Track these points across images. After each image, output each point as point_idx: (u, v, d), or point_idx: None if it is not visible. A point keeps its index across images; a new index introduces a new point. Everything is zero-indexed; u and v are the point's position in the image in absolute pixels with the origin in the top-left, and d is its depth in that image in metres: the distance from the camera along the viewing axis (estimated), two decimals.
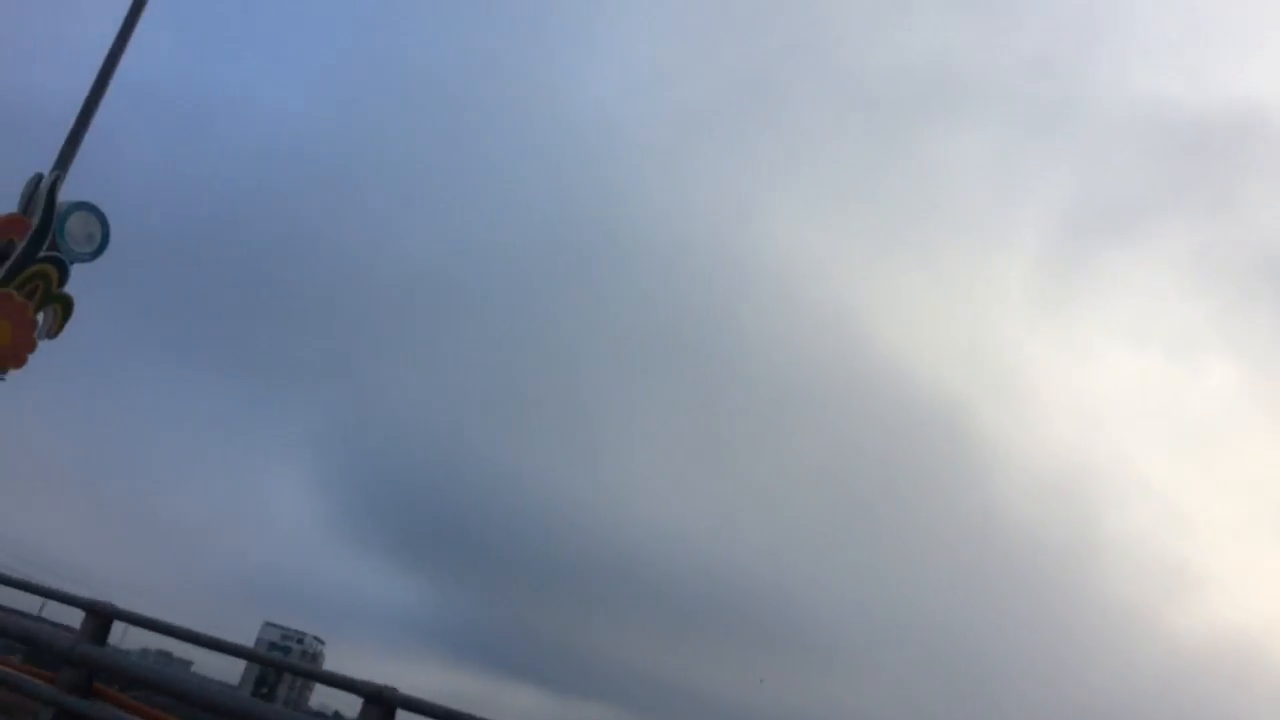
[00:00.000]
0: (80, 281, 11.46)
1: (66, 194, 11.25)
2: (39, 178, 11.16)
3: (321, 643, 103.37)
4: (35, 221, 10.88)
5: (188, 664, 41.16)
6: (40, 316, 10.97)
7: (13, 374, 10.77)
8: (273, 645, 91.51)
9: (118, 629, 7.40)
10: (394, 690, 5.42)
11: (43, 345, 11.01)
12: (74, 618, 7.29)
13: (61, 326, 11.22)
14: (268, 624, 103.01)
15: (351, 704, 5.67)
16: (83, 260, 11.28)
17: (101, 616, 6.79)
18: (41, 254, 10.92)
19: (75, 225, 11.18)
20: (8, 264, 10.65)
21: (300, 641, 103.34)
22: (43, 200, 10.99)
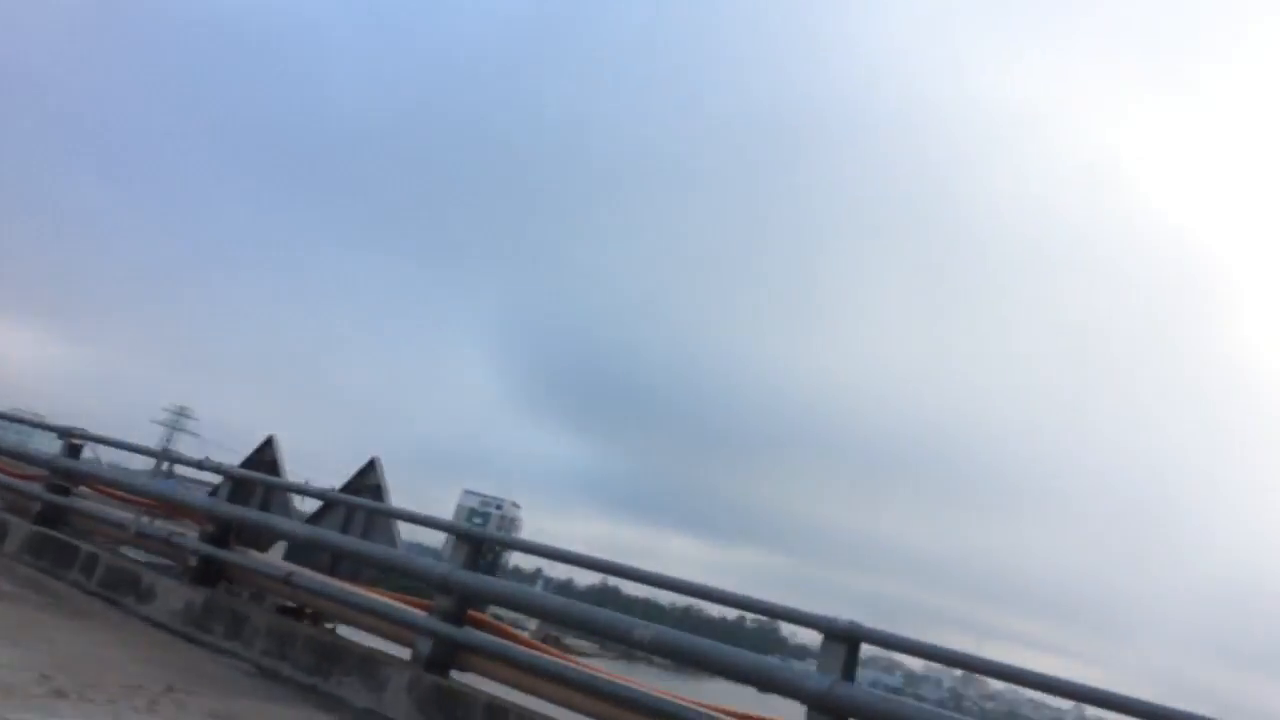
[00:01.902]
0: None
1: None
2: None
3: (518, 507, 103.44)
4: None
5: None
6: None
7: None
8: (473, 511, 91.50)
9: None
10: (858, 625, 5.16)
11: None
12: None
13: None
14: (467, 491, 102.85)
15: None
16: None
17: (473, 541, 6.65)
18: None
19: None
20: None
21: (499, 507, 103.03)
22: None
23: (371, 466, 8.52)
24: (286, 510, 8.23)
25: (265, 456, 8.67)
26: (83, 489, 9.51)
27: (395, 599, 6.89)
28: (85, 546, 8.65)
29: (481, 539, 6.71)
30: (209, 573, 7.85)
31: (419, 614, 6.47)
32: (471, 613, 6.38)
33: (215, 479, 8.83)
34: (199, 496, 8.37)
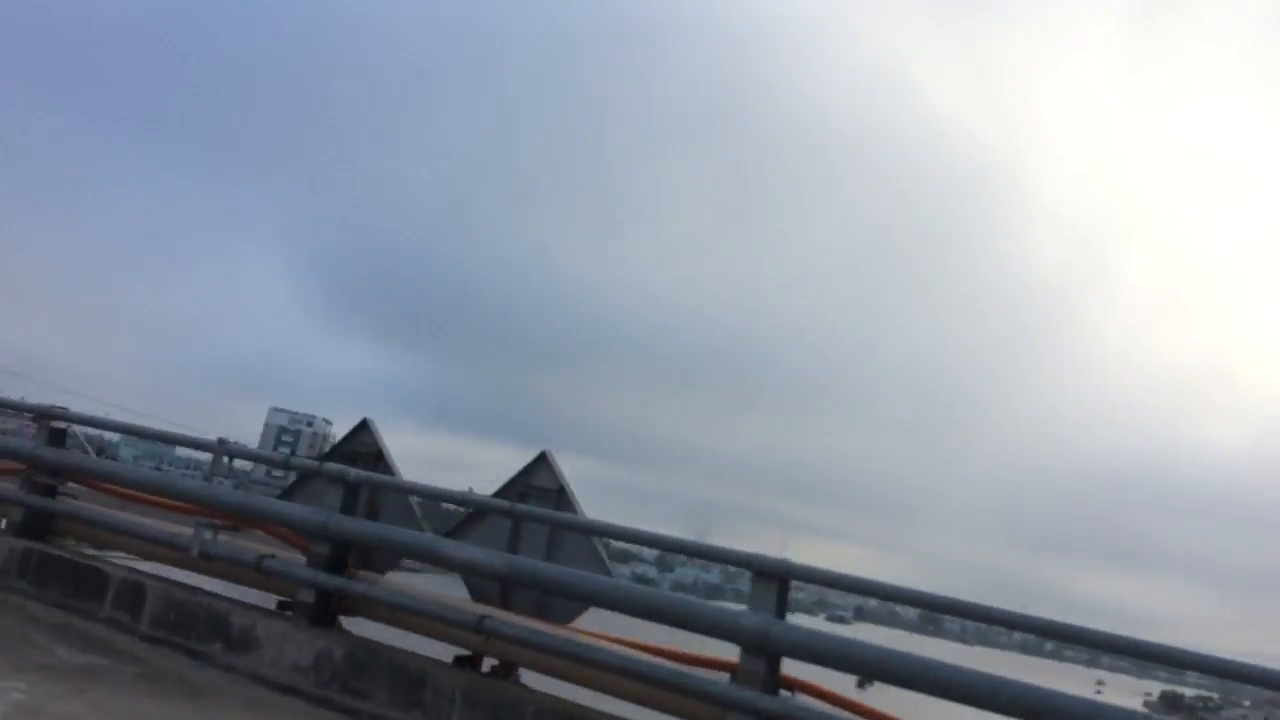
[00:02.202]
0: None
1: None
2: None
3: (329, 423, 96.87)
4: None
5: None
6: None
7: None
8: (282, 429, 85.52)
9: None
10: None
11: None
12: None
13: None
14: (275, 409, 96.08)
15: None
16: None
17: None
18: None
19: None
20: None
21: (310, 424, 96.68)
22: None
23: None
24: (411, 520, 6.33)
25: (362, 445, 6.63)
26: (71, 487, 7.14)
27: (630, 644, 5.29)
28: (112, 569, 6.44)
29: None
30: (327, 611, 5.92)
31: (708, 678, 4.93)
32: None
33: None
34: (299, 507, 6.28)
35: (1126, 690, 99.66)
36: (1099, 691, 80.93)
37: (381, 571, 6.29)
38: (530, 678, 5.77)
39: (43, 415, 7.05)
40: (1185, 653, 4.24)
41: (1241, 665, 4.24)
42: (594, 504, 6.20)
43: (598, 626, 5.70)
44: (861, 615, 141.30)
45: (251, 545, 6.30)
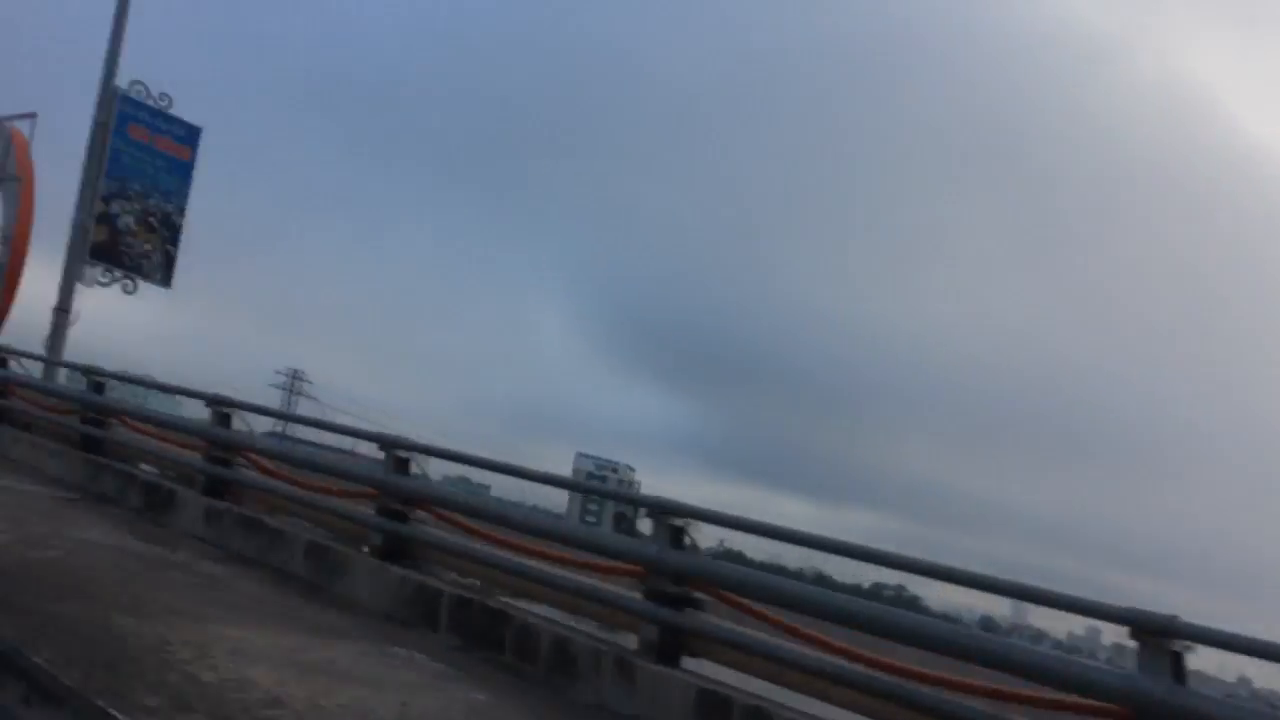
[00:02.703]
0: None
1: None
2: None
3: (633, 470, 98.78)
4: None
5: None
6: None
7: None
8: (589, 475, 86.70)
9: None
10: None
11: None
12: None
13: None
14: (581, 454, 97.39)
15: None
16: None
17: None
18: None
19: None
20: None
21: (615, 470, 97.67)
22: None
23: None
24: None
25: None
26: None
27: None
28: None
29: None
30: (671, 648, 6.26)
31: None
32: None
33: None
34: (633, 540, 6.68)
35: None
36: None
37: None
38: None
39: (388, 444, 7.52)
40: None
41: None
42: None
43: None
44: None
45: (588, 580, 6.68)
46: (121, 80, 16.44)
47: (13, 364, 13.13)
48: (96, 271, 16.40)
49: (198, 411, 10.29)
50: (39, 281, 16.86)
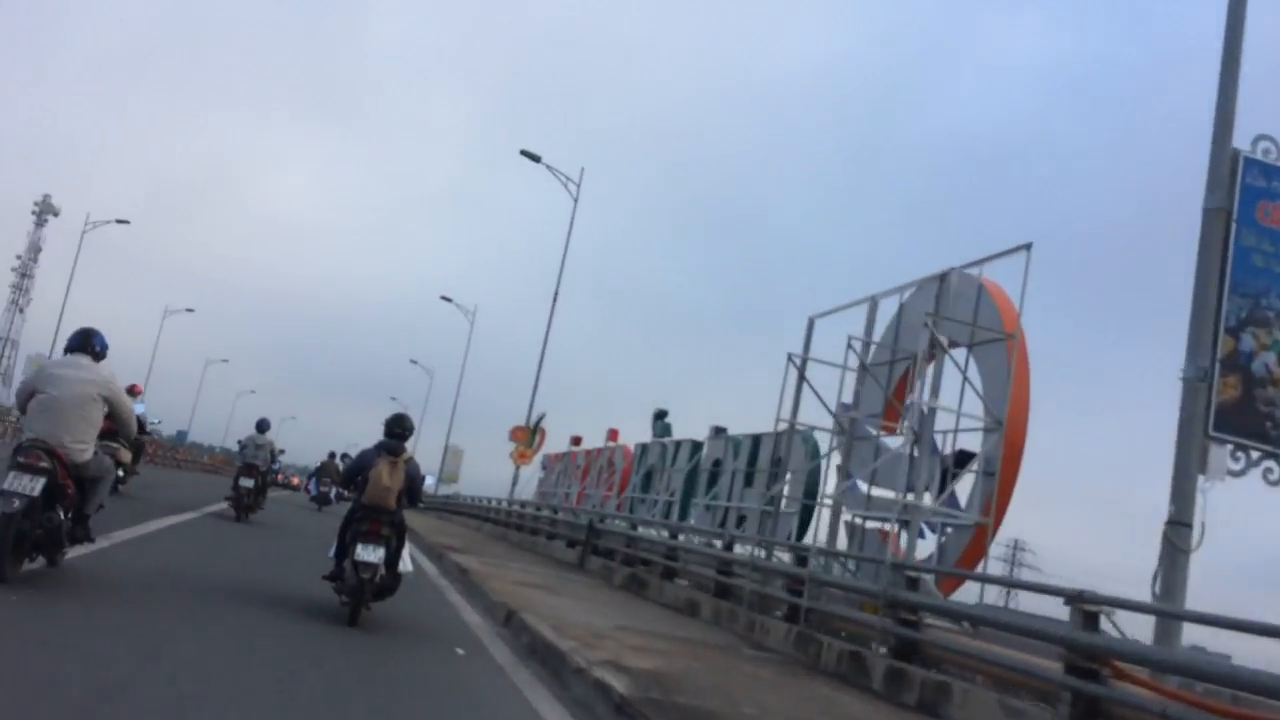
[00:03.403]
0: None
1: None
2: None
3: None
4: None
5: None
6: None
7: None
8: None
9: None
10: None
11: None
12: None
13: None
14: None
15: None
16: None
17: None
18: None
19: None
20: None
21: None
22: None
23: None
24: None
25: None
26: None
27: None
28: None
29: None
30: None
31: None
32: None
33: None
34: None
35: None
36: None
37: None
38: None
39: (1075, 599, 6.94)
40: None
41: None
42: None
43: None
44: None
45: None
46: (1239, 139, 9.81)
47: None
48: (1224, 453, 9.26)
49: None
50: None
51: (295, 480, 49.01)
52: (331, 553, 8.33)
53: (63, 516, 6.87)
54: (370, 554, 7.87)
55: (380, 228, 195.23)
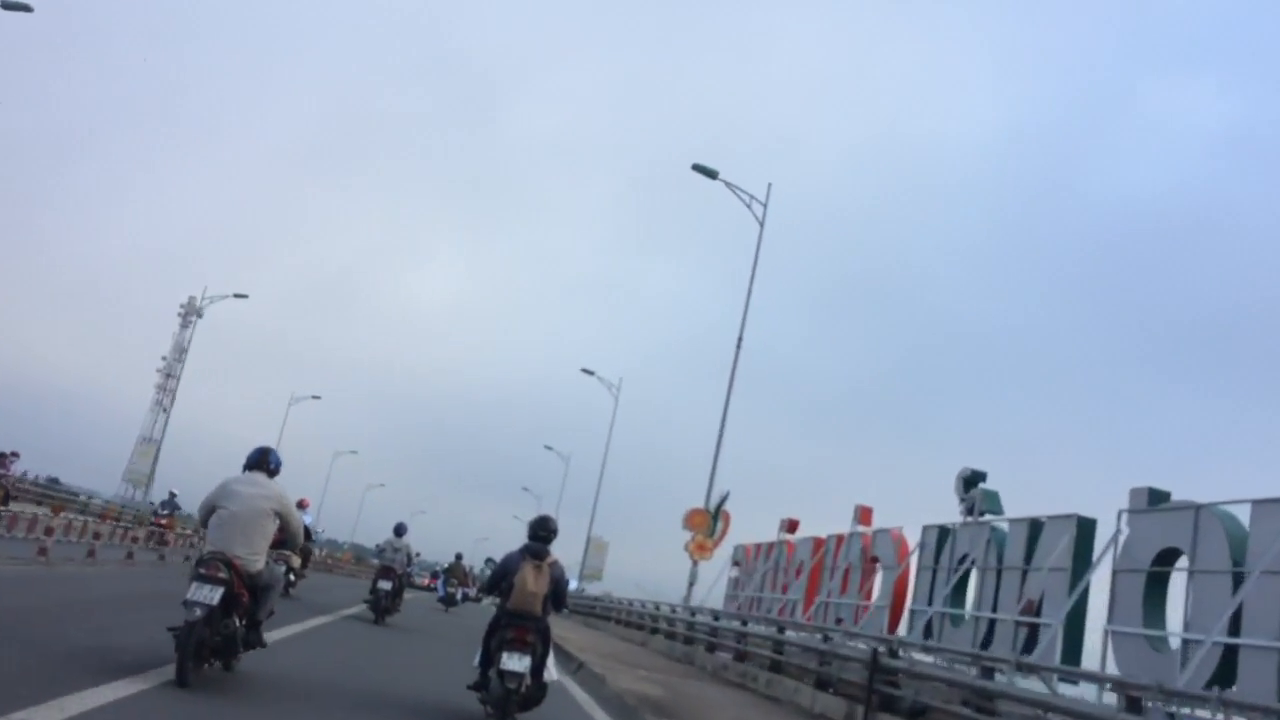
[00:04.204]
0: None
1: None
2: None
3: None
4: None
5: None
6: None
7: None
8: None
9: None
10: None
11: None
12: None
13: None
14: None
15: None
16: None
17: None
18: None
19: None
20: None
21: None
22: None
23: None
24: None
25: None
26: None
27: None
28: None
29: None
30: None
31: None
32: None
33: None
34: None
35: None
36: None
37: None
38: None
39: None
40: None
41: None
42: None
43: None
44: None
45: None
46: None
47: None
48: None
49: None
50: None
51: (427, 580, 49.71)
52: (476, 661, 8.34)
53: (238, 623, 7.38)
54: (516, 663, 7.86)
55: (518, 315, 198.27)
